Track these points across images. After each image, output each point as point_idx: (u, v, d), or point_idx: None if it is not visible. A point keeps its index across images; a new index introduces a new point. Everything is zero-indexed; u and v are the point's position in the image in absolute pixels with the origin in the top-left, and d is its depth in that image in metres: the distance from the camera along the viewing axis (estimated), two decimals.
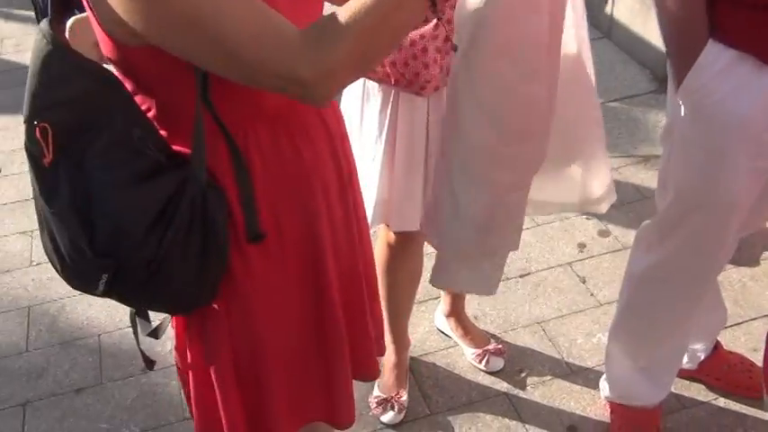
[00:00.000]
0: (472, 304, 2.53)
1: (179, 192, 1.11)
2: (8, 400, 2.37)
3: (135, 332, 1.33)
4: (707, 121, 1.59)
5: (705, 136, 1.61)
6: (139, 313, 1.31)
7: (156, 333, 1.34)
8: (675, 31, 1.59)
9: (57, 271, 1.20)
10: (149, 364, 1.40)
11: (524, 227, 2.80)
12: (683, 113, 1.62)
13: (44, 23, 1.06)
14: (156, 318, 1.34)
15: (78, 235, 1.10)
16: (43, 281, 2.78)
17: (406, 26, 1.06)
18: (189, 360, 1.35)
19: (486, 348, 2.36)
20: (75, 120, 1.07)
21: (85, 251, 1.11)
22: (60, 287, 2.74)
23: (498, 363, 2.36)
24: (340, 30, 0.99)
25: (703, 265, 1.81)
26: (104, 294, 1.17)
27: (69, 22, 3.58)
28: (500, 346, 2.39)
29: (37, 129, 1.07)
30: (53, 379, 2.44)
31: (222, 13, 0.97)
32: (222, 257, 1.18)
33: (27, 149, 1.10)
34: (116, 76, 1.10)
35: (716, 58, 1.55)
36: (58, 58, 1.05)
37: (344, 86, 1.11)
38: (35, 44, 1.07)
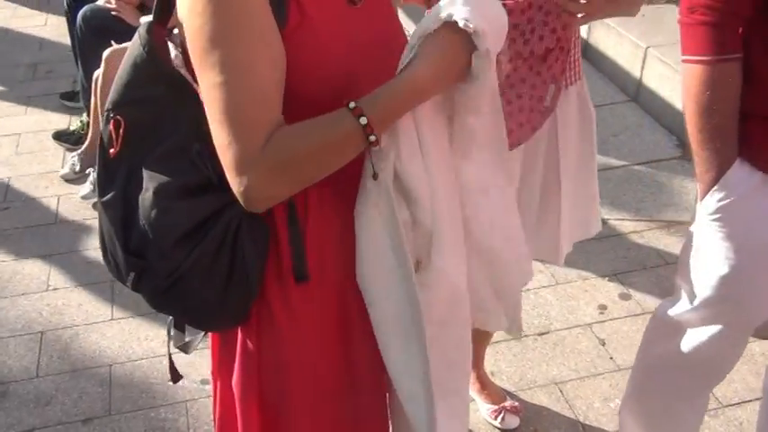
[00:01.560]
0: (489, 360, 2.49)
1: (217, 213, 1.14)
2: (14, 426, 2.34)
3: (169, 342, 1.37)
4: (732, 241, 1.54)
5: (729, 254, 1.55)
6: (176, 324, 1.35)
7: (186, 347, 1.37)
8: (703, 142, 1.50)
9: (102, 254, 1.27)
10: (175, 376, 1.43)
11: (544, 285, 2.84)
12: (708, 225, 1.56)
13: (143, 28, 1.15)
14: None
15: (117, 229, 1.17)
16: (59, 306, 2.77)
17: (344, 157, 1.11)
18: (217, 382, 1.37)
19: (502, 405, 2.32)
20: (147, 120, 1.15)
21: (117, 246, 1.17)
22: (75, 314, 2.73)
23: (514, 421, 2.31)
24: (289, 158, 1.07)
25: (721, 360, 1.77)
26: (134, 290, 1.22)
27: (105, 53, 3.61)
28: (516, 404, 2.34)
29: (112, 120, 1.16)
30: (61, 407, 2.41)
31: (224, 86, 1.05)
32: (249, 286, 1.19)
33: (100, 138, 1.20)
34: (194, 90, 1.13)
35: (744, 179, 1.49)
36: (147, 61, 1.14)
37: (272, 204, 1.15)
38: (132, 45, 1.16)
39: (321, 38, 1.11)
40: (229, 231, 1.15)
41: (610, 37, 4.22)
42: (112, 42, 3.35)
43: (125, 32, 3.37)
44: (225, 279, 1.17)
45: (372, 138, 1.07)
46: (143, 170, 1.14)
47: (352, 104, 1.06)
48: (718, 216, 1.52)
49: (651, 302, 2.75)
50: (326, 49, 1.11)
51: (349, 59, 1.13)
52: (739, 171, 1.48)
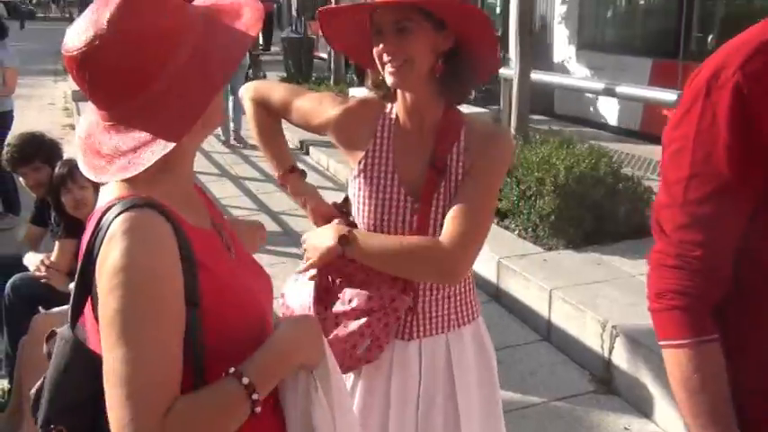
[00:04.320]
0: None
1: None
2: None
3: None
4: None
5: None
6: None
7: None
8: (702, 427, 1.38)
9: None
10: None
11: None
12: None
13: (66, 329, 1.21)
14: None
15: None
16: None
17: (236, 421, 1.18)
18: None
19: None
20: (88, 423, 1.18)
21: None
22: None
23: None
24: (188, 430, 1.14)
25: None
26: None
27: (34, 319, 3.64)
28: None
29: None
30: None
31: (135, 362, 1.10)
32: None
33: None
34: None
35: None
36: (80, 363, 1.19)
37: None
38: (58, 349, 1.21)
39: (235, 293, 1.25)
40: None
41: (518, 282, 4.53)
42: (40, 309, 3.41)
43: (53, 299, 3.46)
44: None
45: (255, 396, 1.16)
46: None
47: (232, 369, 1.17)
48: None
49: None
50: (239, 302, 1.26)
51: (252, 306, 1.29)
52: None
